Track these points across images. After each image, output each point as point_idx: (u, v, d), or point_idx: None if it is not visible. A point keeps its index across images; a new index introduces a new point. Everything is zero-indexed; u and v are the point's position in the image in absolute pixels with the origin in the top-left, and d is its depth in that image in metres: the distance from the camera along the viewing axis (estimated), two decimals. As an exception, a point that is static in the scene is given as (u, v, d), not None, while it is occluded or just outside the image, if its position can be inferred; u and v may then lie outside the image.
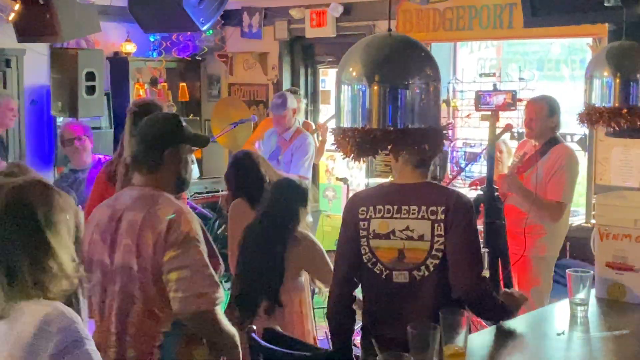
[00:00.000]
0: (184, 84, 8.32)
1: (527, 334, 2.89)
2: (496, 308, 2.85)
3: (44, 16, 5.20)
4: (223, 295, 2.64)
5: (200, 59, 8.31)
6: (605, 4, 3.41)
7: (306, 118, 7.08)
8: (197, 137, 2.88)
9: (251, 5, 7.75)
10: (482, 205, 4.13)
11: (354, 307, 2.95)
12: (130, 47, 7.78)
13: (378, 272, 2.83)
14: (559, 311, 3.10)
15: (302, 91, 7.42)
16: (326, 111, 7.68)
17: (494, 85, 4.74)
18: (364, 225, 2.85)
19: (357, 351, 3.16)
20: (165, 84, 8.08)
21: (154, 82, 7.93)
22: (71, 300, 1.88)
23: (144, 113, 3.13)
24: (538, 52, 6.63)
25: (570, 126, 5.38)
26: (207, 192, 7.53)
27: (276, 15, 7.64)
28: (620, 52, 3.30)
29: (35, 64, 7.16)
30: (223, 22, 7.83)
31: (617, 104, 3.23)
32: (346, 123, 2.25)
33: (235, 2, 7.52)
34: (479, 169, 6.04)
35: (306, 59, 7.87)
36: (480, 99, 4.43)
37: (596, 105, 3.29)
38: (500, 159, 5.25)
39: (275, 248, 3.66)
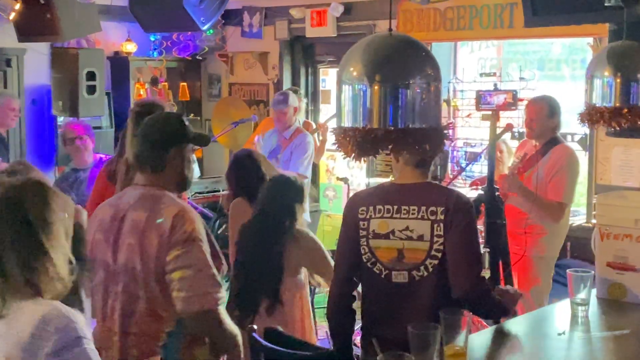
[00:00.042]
0: (185, 83, 8.31)
1: (528, 334, 2.90)
2: (495, 307, 2.87)
3: (44, 16, 5.21)
4: (225, 295, 2.64)
5: (200, 58, 8.30)
6: (606, 4, 3.41)
7: (307, 118, 7.08)
8: (200, 137, 2.88)
9: (252, 4, 7.75)
10: (482, 205, 4.13)
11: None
12: (130, 47, 7.77)
13: (377, 272, 2.83)
14: (560, 311, 3.10)
15: (302, 91, 7.41)
16: (327, 111, 7.67)
17: (495, 85, 4.71)
18: (363, 225, 2.85)
19: (357, 351, 3.16)
20: (166, 83, 8.07)
21: (154, 82, 7.93)
22: (73, 300, 1.89)
23: (147, 113, 3.13)
24: (539, 52, 6.62)
25: (571, 126, 5.38)
26: (208, 192, 7.52)
27: (276, 15, 7.63)
28: (621, 52, 3.30)
29: (35, 64, 7.16)
30: (223, 21, 7.82)
31: (617, 104, 3.23)
32: (347, 123, 2.25)
33: (235, 1, 7.51)
34: (480, 168, 6.03)
35: (306, 59, 7.86)
36: (480, 99, 4.41)
37: (597, 105, 3.28)
38: (501, 158, 5.25)
39: (272, 246, 3.66)
